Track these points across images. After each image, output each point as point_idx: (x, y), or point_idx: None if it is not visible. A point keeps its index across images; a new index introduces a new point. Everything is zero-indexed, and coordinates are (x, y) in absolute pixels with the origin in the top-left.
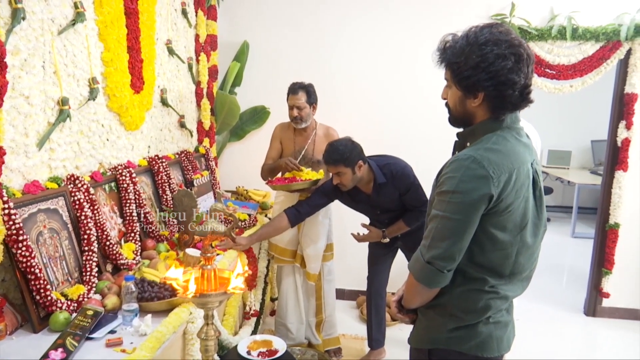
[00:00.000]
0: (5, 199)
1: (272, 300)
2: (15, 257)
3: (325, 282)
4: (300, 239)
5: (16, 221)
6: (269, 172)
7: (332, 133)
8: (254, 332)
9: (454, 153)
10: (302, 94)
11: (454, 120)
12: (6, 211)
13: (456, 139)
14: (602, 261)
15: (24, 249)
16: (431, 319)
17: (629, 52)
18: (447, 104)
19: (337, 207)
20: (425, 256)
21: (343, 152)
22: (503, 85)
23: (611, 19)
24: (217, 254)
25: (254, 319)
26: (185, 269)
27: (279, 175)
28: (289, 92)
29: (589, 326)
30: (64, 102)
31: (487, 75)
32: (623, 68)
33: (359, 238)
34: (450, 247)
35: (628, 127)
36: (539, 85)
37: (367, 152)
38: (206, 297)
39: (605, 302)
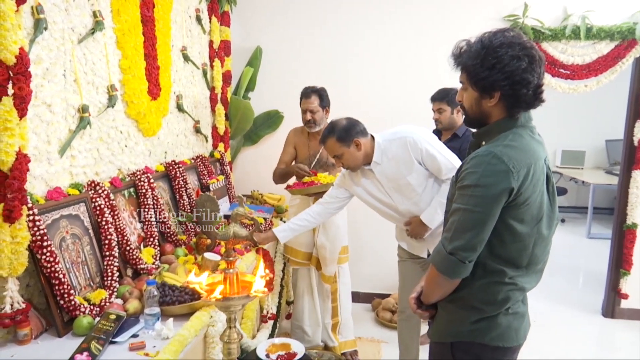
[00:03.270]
0: (29, 205)
1: (288, 303)
2: (39, 262)
3: (341, 285)
4: (315, 241)
5: (40, 227)
6: (280, 177)
7: None
8: (271, 336)
9: (468, 153)
10: (315, 97)
11: (470, 121)
12: (31, 217)
13: (471, 138)
14: (620, 262)
15: (48, 254)
16: (453, 312)
17: None
18: (462, 106)
19: (350, 209)
20: (448, 247)
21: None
22: (518, 85)
23: (626, 17)
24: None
25: (271, 322)
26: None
27: (294, 180)
28: (302, 96)
29: (607, 328)
30: (84, 109)
31: (503, 75)
32: (639, 66)
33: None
34: (473, 238)
35: None
36: (553, 85)
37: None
38: (229, 301)
39: (624, 304)
